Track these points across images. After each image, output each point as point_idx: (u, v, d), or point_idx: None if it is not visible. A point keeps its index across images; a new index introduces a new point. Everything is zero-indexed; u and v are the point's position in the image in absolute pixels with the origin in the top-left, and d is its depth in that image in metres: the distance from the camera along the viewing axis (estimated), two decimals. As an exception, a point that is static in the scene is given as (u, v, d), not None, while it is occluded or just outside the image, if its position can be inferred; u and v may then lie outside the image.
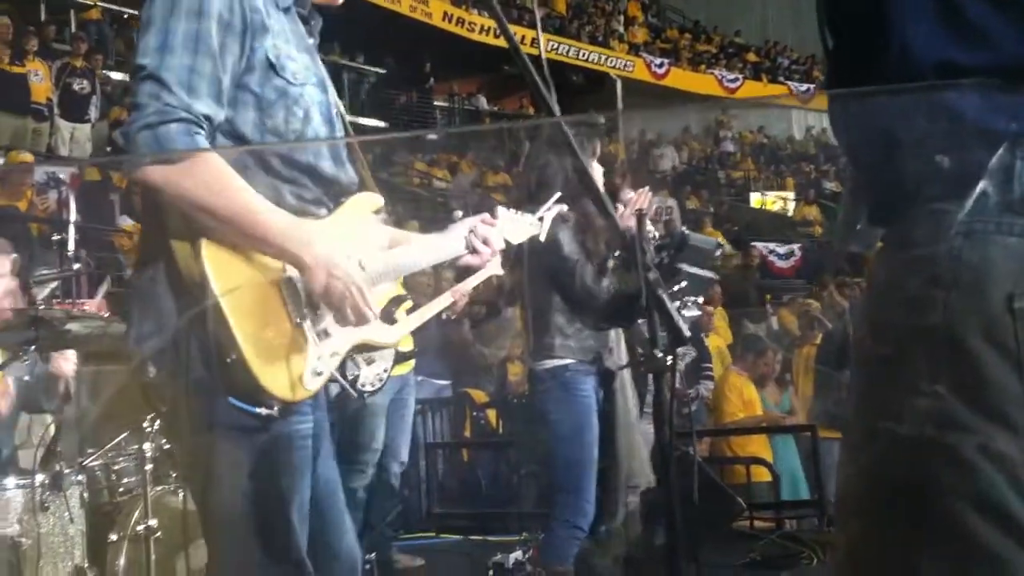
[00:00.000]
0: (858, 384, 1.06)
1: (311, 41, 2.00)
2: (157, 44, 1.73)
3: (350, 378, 5.03)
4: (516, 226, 2.30)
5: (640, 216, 1.76)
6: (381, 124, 18.40)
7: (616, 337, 3.52)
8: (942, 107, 0.98)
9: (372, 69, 19.09)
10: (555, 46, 20.63)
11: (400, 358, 5.01)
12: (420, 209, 13.24)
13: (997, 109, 0.96)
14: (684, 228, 2.11)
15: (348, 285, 1.79)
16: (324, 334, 1.82)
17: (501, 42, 1.64)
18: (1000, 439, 0.94)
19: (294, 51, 1.89)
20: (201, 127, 1.74)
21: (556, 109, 1.59)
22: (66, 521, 3.37)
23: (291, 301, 1.77)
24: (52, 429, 3.83)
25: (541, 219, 2.42)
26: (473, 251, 2.17)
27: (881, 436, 0.99)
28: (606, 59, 22.29)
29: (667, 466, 1.53)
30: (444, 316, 5.36)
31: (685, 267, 1.84)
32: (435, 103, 20.76)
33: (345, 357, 1.90)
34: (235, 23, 1.78)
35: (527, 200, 3.39)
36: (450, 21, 19.85)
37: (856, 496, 1.03)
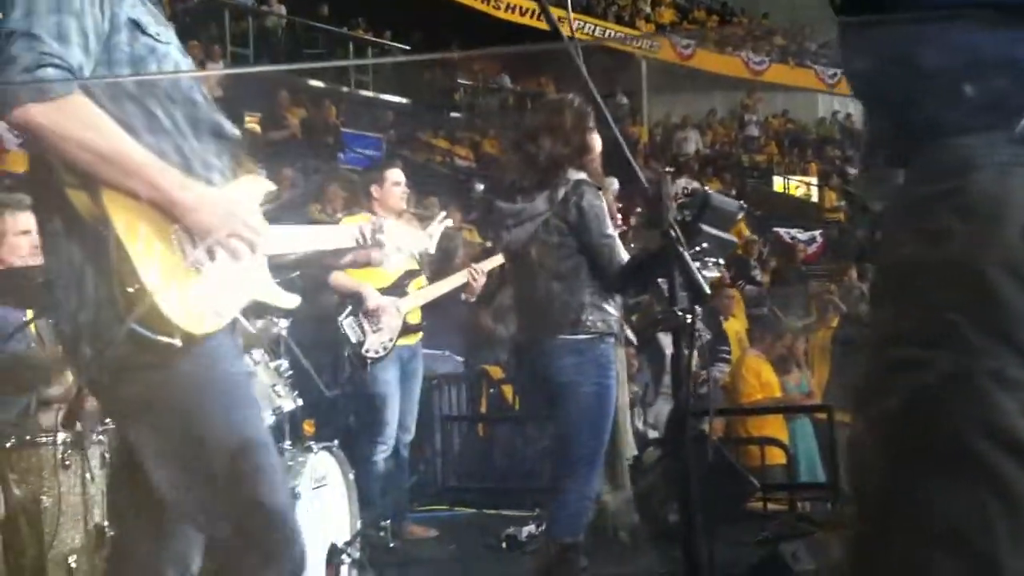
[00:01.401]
0: (874, 317, 1.07)
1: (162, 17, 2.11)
2: (23, 11, 1.82)
3: (355, 341, 5.14)
4: (406, 238, 2.56)
5: (662, 175, 1.75)
6: (405, 101, 18.37)
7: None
8: (963, 38, 0.98)
9: (398, 46, 19.05)
10: (581, 25, 20.50)
11: (407, 329, 5.07)
12: (441, 186, 13.25)
13: (1018, 40, 0.96)
14: (707, 188, 2.10)
15: (231, 221, 1.90)
16: (222, 279, 1.91)
17: (527, 20, 1.67)
18: (1014, 366, 0.95)
19: (151, 19, 1.99)
20: (75, 75, 1.81)
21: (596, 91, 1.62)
22: (87, 480, 3.40)
23: (188, 244, 1.87)
24: (74, 389, 3.87)
25: (431, 235, 2.80)
26: (361, 246, 2.37)
27: (896, 363, 1.00)
28: (632, 39, 22.16)
29: (683, 425, 1.54)
30: (464, 297, 5.42)
31: (706, 228, 1.83)
32: (459, 81, 20.72)
33: (250, 307, 2.04)
34: None
35: (528, 174, 3.54)
36: (477, -2, 19.79)
37: (869, 424, 1.03)
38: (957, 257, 0.98)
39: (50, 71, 1.78)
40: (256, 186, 2.16)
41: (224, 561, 2.00)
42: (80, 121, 1.80)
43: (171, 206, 1.84)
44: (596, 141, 3.52)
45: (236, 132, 2.13)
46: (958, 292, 0.97)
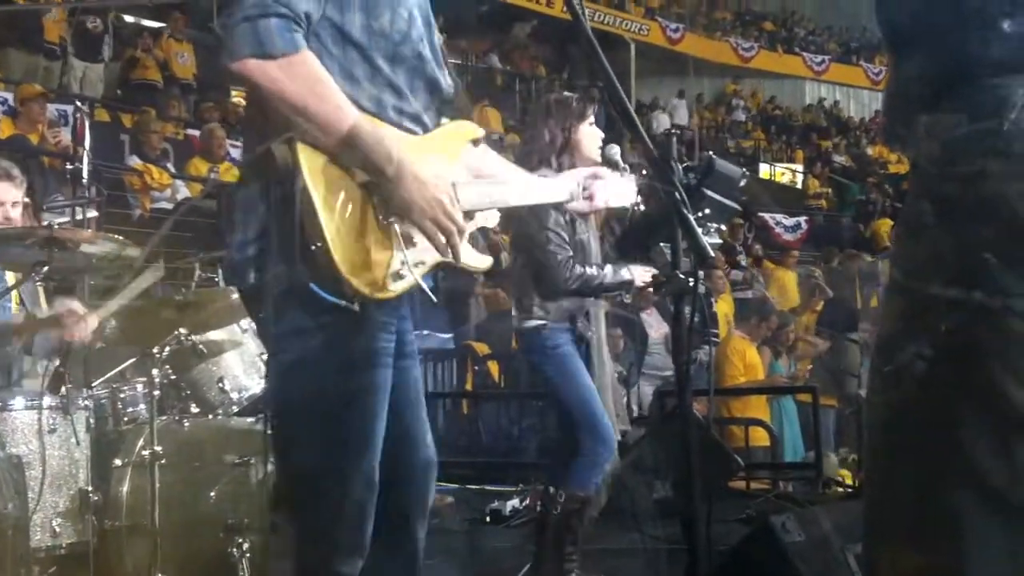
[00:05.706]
0: (903, 254, 1.06)
1: None
2: None
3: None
4: (618, 190, 2.34)
5: (669, 136, 1.76)
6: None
7: (592, 301, 3.76)
8: None
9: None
10: (571, 6, 20.36)
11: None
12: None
13: None
14: (711, 153, 2.10)
15: (433, 205, 1.81)
16: (410, 241, 1.84)
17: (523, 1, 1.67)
18: None
19: None
20: (300, 25, 1.76)
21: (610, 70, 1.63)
22: (72, 445, 3.38)
23: (379, 203, 1.80)
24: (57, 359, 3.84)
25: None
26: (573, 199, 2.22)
27: (928, 300, 1.00)
28: (621, 22, 22.09)
29: (684, 394, 1.54)
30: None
31: (710, 193, 1.83)
32: (449, 61, 20.56)
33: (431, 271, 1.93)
34: None
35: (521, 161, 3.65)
36: (465, -23, 19.64)
37: (899, 361, 1.03)
38: (994, 198, 0.98)
39: (272, 22, 1.71)
40: (462, 131, 2.09)
41: (299, 517, 1.93)
42: (301, 85, 1.73)
43: (378, 177, 1.78)
44: (581, 142, 3.59)
45: (451, 87, 2.08)
46: (991, 232, 0.97)
